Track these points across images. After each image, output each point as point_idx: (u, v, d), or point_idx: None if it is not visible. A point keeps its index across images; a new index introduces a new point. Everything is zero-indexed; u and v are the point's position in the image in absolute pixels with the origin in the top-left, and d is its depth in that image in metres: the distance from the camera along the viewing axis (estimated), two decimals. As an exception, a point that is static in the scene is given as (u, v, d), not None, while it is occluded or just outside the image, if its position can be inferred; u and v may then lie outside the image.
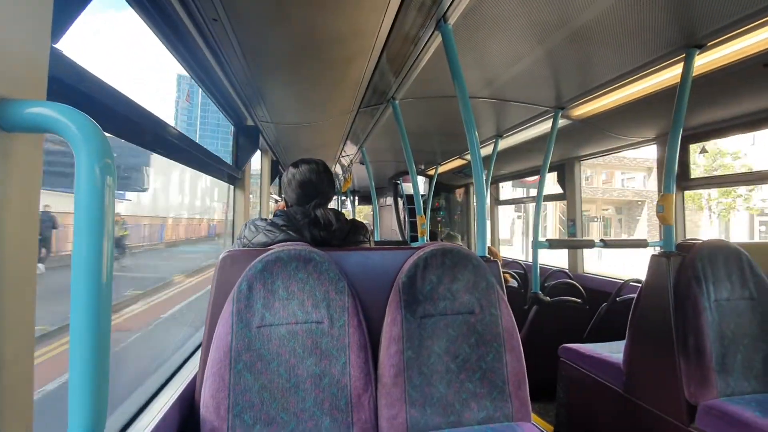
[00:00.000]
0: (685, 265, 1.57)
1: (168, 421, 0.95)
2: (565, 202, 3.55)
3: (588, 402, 1.99)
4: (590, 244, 2.30)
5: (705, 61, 1.65)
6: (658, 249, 1.79)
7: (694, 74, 1.63)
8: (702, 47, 1.55)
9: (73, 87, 0.70)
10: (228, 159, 2.23)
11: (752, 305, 1.54)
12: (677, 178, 2.39)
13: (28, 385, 0.46)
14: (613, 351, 1.95)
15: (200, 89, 1.75)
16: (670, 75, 1.80)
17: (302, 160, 1.39)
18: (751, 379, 1.47)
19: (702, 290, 1.50)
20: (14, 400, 0.44)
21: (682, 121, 1.66)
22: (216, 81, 1.70)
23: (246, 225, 1.30)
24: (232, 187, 2.38)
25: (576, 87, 2.08)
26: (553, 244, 2.44)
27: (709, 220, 19.29)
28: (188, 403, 1.06)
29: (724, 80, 1.76)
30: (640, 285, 1.77)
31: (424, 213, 2.85)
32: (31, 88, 0.49)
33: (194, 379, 1.09)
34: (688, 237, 2.35)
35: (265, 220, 1.29)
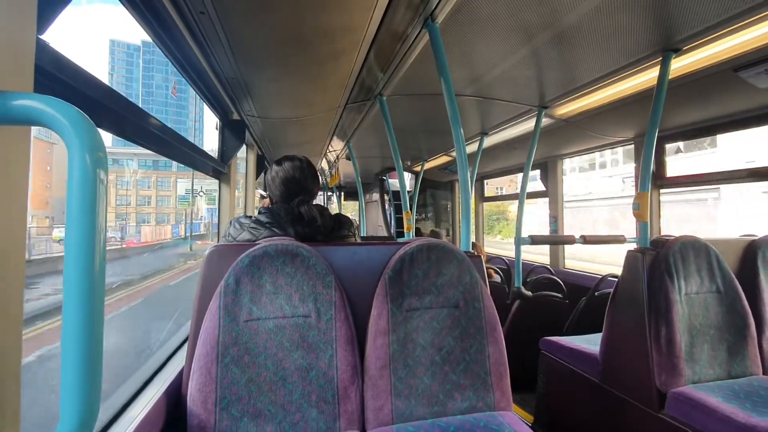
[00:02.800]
0: (658, 260, 1.63)
1: (155, 415, 0.95)
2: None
3: (567, 392, 2.05)
4: (571, 240, 2.37)
5: (681, 64, 1.72)
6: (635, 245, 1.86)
7: (670, 77, 1.69)
8: (678, 51, 1.61)
9: (58, 78, 0.70)
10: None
11: (719, 298, 1.63)
12: (653, 176, 2.48)
13: (15, 380, 0.46)
14: (591, 343, 2.02)
15: (187, 82, 1.72)
16: (647, 77, 1.87)
17: (285, 158, 1.40)
18: (716, 367, 1.55)
19: (673, 284, 1.57)
20: (2, 395, 0.44)
21: (658, 121, 1.73)
22: (202, 74, 1.68)
23: (231, 223, 1.30)
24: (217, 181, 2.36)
25: (559, 86, 2.13)
26: (535, 239, 2.50)
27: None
28: (175, 396, 1.06)
29: (698, 83, 1.83)
30: (617, 279, 1.84)
31: (410, 209, 2.88)
32: (17, 80, 0.48)
33: (181, 372, 1.09)
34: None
35: (250, 217, 1.29)
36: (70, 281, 0.39)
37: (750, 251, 1.82)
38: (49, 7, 0.64)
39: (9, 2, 0.47)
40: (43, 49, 0.63)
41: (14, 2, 0.48)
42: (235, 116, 2.32)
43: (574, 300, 2.63)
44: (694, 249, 1.65)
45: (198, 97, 1.98)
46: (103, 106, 0.90)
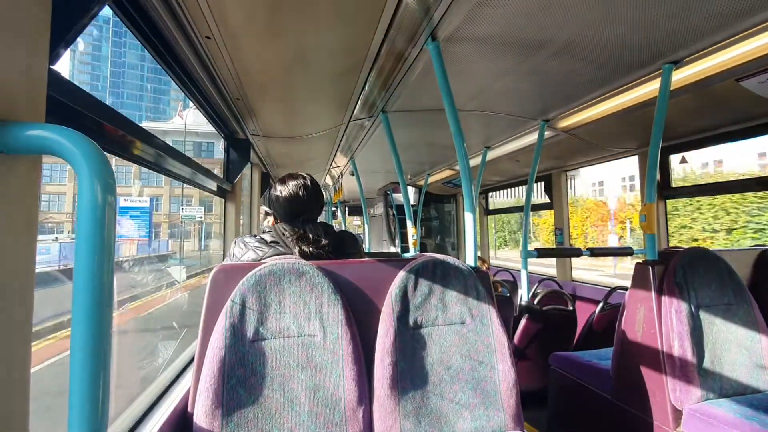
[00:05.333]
0: (667, 272, 1.61)
1: None
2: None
3: (578, 409, 2.00)
4: (578, 253, 2.35)
5: (682, 75, 1.73)
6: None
7: (672, 88, 1.70)
8: (678, 63, 1.62)
9: (69, 106, 0.71)
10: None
11: (732, 310, 1.59)
12: (659, 187, 2.47)
13: (24, 389, 0.47)
14: (602, 358, 1.98)
15: (192, 103, 1.76)
16: (649, 89, 1.88)
17: (289, 176, 1.38)
18: (732, 382, 1.51)
19: (684, 297, 1.54)
20: (11, 402, 0.45)
21: (661, 132, 1.73)
22: (208, 96, 1.71)
23: (235, 242, 1.30)
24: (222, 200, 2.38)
25: (560, 100, 2.15)
26: (541, 252, 2.48)
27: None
28: (180, 419, 1.05)
29: (701, 94, 1.84)
30: (626, 292, 1.81)
31: (415, 223, 2.88)
32: (29, 109, 0.50)
33: (187, 394, 1.08)
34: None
35: (255, 236, 1.29)
36: (79, 302, 0.41)
37: (762, 261, 1.79)
38: (61, 39, 0.66)
39: (22, 36, 0.49)
40: (54, 79, 0.65)
41: (27, 36, 0.50)
42: (240, 135, 2.36)
43: (583, 313, 2.59)
44: (704, 260, 1.63)
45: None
46: (113, 131, 0.92)
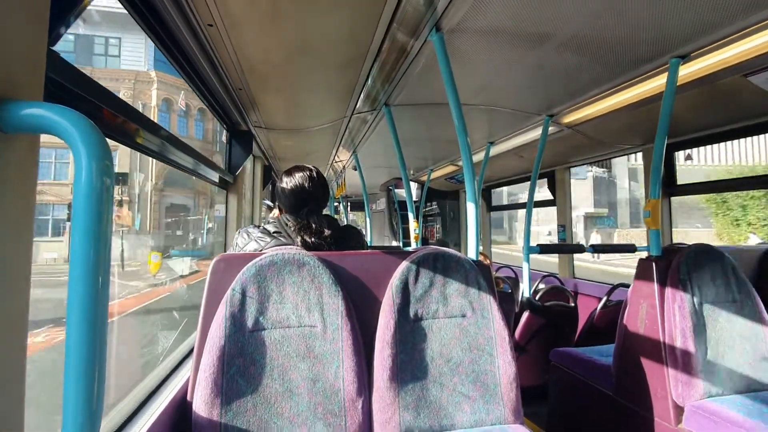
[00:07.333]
0: (671, 269, 1.60)
1: (159, 427, 0.94)
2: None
3: (579, 405, 2.00)
4: (580, 249, 2.34)
5: (689, 71, 1.70)
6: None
7: (678, 83, 1.68)
8: (685, 57, 1.60)
9: (68, 88, 0.71)
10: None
11: (735, 308, 1.58)
12: (663, 184, 2.45)
13: (20, 383, 0.46)
14: (603, 354, 1.97)
15: (194, 93, 1.75)
16: (655, 84, 1.85)
17: (296, 167, 1.39)
18: (735, 380, 1.50)
19: (688, 293, 1.53)
20: (6, 398, 0.44)
21: (667, 129, 1.71)
22: (210, 86, 1.70)
23: (239, 232, 1.30)
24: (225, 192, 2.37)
25: (565, 95, 2.13)
26: (543, 249, 2.47)
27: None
28: (180, 408, 1.05)
29: (707, 90, 1.81)
30: (628, 289, 1.80)
31: (417, 219, 2.88)
32: (28, 89, 0.49)
33: (186, 383, 1.08)
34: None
35: (258, 227, 1.29)
36: (75, 287, 0.40)
37: (767, 259, 1.77)
38: (60, 20, 0.65)
39: (22, 17, 0.48)
40: (53, 60, 0.64)
41: (27, 17, 0.49)
42: (243, 127, 2.35)
43: (585, 309, 2.58)
44: (708, 257, 1.62)
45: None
46: (112, 116, 0.91)
